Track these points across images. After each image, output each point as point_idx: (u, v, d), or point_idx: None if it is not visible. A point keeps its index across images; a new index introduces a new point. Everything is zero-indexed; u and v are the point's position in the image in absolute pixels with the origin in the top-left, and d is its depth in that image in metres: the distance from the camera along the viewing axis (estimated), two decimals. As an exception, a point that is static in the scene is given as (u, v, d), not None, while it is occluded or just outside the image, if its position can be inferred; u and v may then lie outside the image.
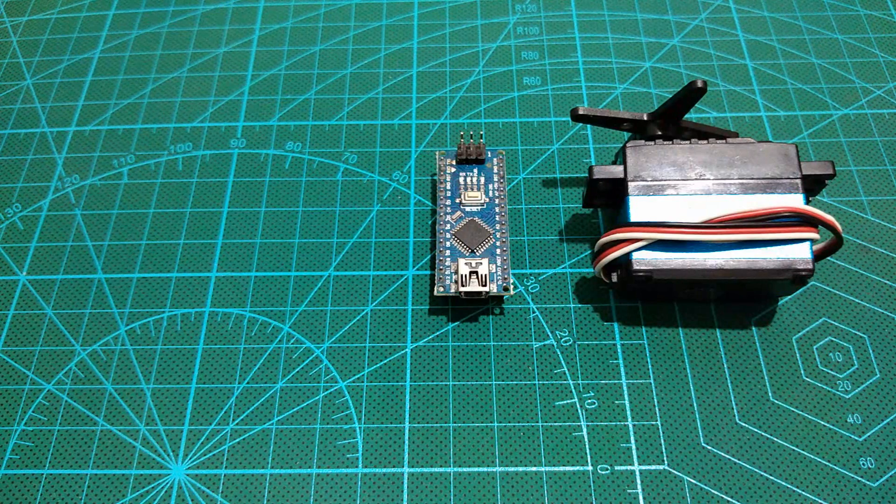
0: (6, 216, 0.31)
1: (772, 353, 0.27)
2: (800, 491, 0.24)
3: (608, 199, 0.28)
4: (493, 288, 0.26)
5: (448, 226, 0.28)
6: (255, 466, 0.25)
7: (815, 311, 0.27)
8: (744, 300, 0.28)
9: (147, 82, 0.35)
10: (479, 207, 0.28)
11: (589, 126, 0.33)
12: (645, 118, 0.28)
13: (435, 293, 0.27)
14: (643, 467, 0.24)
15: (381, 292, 0.28)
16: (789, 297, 0.28)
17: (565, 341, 0.27)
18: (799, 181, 0.25)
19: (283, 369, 0.27)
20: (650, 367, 0.26)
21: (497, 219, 0.28)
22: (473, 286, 0.26)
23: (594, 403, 0.26)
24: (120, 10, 0.39)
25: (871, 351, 0.26)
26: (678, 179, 0.25)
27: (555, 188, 0.31)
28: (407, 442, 0.25)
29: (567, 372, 0.26)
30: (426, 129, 0.33)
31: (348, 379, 0.26)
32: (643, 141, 0.27)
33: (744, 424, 0.25)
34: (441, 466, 0.25)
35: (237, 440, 0.25)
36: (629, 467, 0.24)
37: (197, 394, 0.26)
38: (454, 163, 0.29)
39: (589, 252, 0.29)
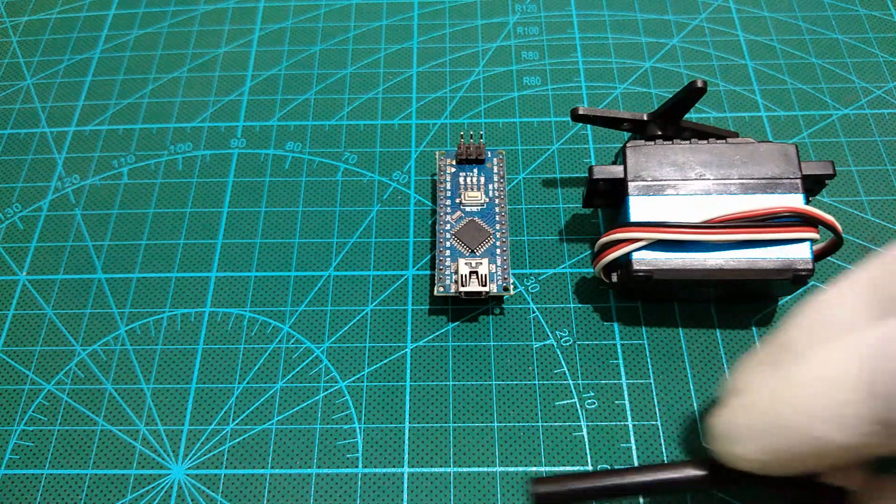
0: (6, 216, 0.31)
1: (772, 353, 0.27)
2: (800, 491, 0.24)
3: (608, 199, 0.28)
4: (493, 288, 0.26)
5: (448, 226, 0.28)
6: (255, 466, 0.25)
7: (815, 311, 0.27)
8: (744, 300, 0.28)
9: (147, 82, 0.35)
10: (479, 207, 0.28)
11: (589, 126, 0.33)
12: (645, 118, 0.28)
13: (435, 293, 0.27)
14: (643, 467, 0.24)
15: (381, 292, 0.28)
16: (789, 297, 0.28)
17: (565, 341, 0.27)
18: (799, 181, 0.25)
19: (283, 369, 0.27)
20: (650, 367, 0.26)
21: (497, 219, 0.28)
22: (473, 286, 0.26)
23: (594, 403, 0.26)
24: (120, 10, 0.39)
25: (871, 351, 0.26)
26: (678, 179, 0.25)
27: (555, 188, 0.31)
28: (407, 442, 0.25)
29: (567, 372, 0.26)
30: (426, 129, 0.33)
31: (348, 379, 0.26)
32: (643, 141, 0.27)
33: (744, 424, 0.25)
34: (441, 466, 0.25)
35: (237, 440, 0.25)
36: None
37: (197, 394, 0.26)
38: (454, 163, 0.29)
39: (589, 252, 0.29)
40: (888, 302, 0.17)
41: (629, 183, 0.26)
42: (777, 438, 0.16)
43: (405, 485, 0.24)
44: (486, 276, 0.26)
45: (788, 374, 0.17)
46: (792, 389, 0.16)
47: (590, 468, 0.24)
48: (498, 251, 0.27)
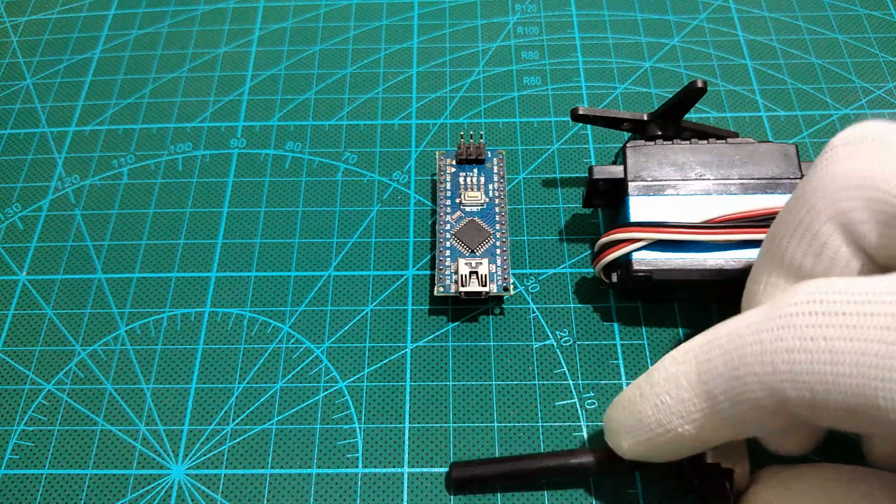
0: (6, 216, 0.31)
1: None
2: (800, 491, 0.24)
3: (608, 199, 0.28)
4: (493, 288, 0.26)
5: (448, 226, 0.28)
6: (255, 466, 0.25)
7: (815, 311, 0.27)
8: (744, 300, 0.28)
9: (147, 82, 0.35)
10: (479, 207, 0.28)
11: (589, 126, 0.33)
12: (645, 118, 0.28)
13: (435, 293, 0.27)
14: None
15: (381, 292, 0.28)
16: (789, 297, 0.28)
17: (565, 341, 0.27)
18: (799, 181, 0.25)
19: (283, 369, 0.27)
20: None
21: (497, 219, 0.28)
22: (473, 286, 0.26)
23: (594, 403, 0.26)
24: (120, 10, 0.39)
25: (871, 351, 0.26)
26: (678, 179, 0.25)
27: (555, 188, 0.31)
28: (407, 442, 0.25)
29: (567, 372, 0.26)
30: (426, 129, 0.33)
31: (348, 379, 0.26)
32: (643, 141, 0.27)
33: (744, 424, 0.25)
34: (441, 466, 0.25)
35: (237, 440, 0.25)
36: (629, 467, 0.24)
37: (197, 394, 0.26)
38: (454, 163, 0.29)
39: (589, 252, 0.29)
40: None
41: (629, 183, 0.26)
42: (642, 432, 0.19)
43: (405, 485, 0.24)
44: (486, 276, 0.26)
45: (649, 373, 0.19)
46: (649, 388, 0.18)
47: (590, 468, 0.24)
48: (498, 251, 0.27)
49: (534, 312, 0.28)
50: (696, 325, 0.27)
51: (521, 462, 0.23)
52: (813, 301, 0.15)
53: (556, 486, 0.24)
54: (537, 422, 0.25)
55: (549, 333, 0.27)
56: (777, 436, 0.20)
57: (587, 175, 0.27)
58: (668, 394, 0.18)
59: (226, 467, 0.25)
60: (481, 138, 0.30)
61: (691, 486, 0.22)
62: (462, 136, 0.29)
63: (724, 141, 0.26)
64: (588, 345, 0.27)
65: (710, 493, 0.21)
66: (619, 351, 0.27)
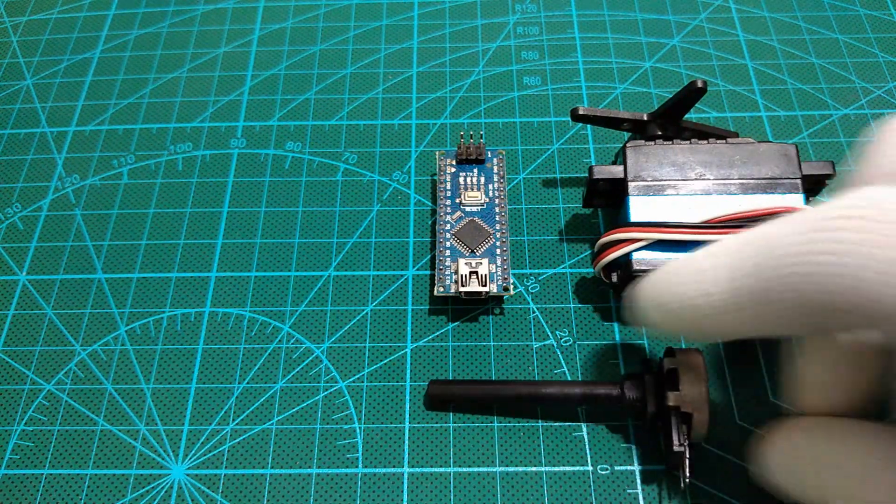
0: (6, 216, 0.31)
1: (772, 353, 0.27)
2: (800, 491, 0.24)
3: (608, 199, 0.28)
4: (493, 288, 0.26)
5: (448, 226, 0.28)
6: (255, 466, 0.25)
7: (815, 311, 0.27)
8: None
9: (147, 82, 0.35)
10: (479, 207, 0.28)
11: (589, 126, 0.33)
12: (645, 118, 0.28)
13: (435, 293, 0.27)
14: (643, 467, 0.24)
15: (381, 292, 0.28)
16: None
17: (565, 341, 0.27)
18: (799, 181, 0.25)
19: (283, 369, 0.27)
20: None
21: (497, 219, 0.28)
22: (473, 286, 0.26)
23: (594, 403, 0.26)
24: (120, 10, 0.39)
25: (871, 351, 0.26)
26: (678, 179, 0.25)
27: (555, 188, 0.31)
28: (407, 442, 0.25)
29: (567, 372, 0.26)
30: (426, 129, 0.33)
31: (348, 379, 0.26)
32: (643, 141, 0.27)
33: (744, 424, 0.25)
34: (441, 466, 0.25)
35: (237, 440, 0.25)
36: (629, 467, 0.24)
37: (197, 394, 0.26)
38: (454, 163, 0.29)
39: (589, 252, 0.29)
40: None
41: (629, 183, 0.26)
42: (668, 312, 0.19)
43: (405, 485, 0.24)
44: (486, 276, 0.26)
45: (685, 260, 0.20)
46: (685, 273, 0.19)
47: (590, 468, 0.24)
48: (498, 251, 0.27)
49: (534, 312, 0.28)
50: (696, 325, 0.27)
51: (496, 386, 0.25)
52: (852, 206, 0.15)
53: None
54: (537, 421, 0.25)
55: (549, 333, 0.27)
56: (804, 386, 0.20)
57: (587, 175, 0.27)
58: (697, 283, 0.18)
59: (226, 467, 0.25)
60: (481, 138, 0.30)
61: (655, 427, 0.23)
62: (462, 136, 0.29)
63: (724, 141, 0.26)
64: (588, 345, 0.27)
65: (668, 434, 0.22)
66: (619, 351, 0.27)
